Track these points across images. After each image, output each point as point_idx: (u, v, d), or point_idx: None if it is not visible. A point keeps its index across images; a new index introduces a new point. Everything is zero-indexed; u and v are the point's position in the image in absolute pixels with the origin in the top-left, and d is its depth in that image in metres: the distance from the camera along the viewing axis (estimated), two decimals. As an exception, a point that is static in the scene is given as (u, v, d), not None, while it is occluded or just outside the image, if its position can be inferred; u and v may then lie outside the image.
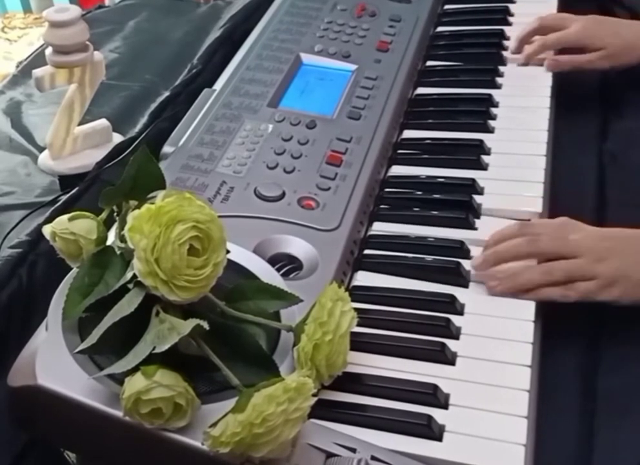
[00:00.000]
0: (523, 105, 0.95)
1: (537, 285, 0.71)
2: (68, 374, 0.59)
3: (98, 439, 0.61)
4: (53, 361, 0.60)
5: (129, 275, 0.60)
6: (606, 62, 0.99)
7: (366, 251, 0.78)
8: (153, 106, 0.99)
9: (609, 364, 0.70)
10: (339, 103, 0.92)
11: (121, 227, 0.63)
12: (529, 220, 0.78)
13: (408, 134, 0.93)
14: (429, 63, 1.06)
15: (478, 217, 0.80)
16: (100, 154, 0.90)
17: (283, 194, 0.79)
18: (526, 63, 1.02)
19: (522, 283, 0.71)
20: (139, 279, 0.57)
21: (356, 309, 0.63)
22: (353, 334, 0.63)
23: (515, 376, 0.65)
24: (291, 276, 0.72)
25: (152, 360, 0.55)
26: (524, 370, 0.65)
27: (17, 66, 1.19)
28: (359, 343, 0.66)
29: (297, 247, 0.74)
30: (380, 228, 0.81)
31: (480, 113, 0.94)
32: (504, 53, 1.05)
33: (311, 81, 0.96)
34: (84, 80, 0.93)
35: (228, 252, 0.60)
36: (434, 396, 0.63)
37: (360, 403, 0.63)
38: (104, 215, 0.67)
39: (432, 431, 0.60)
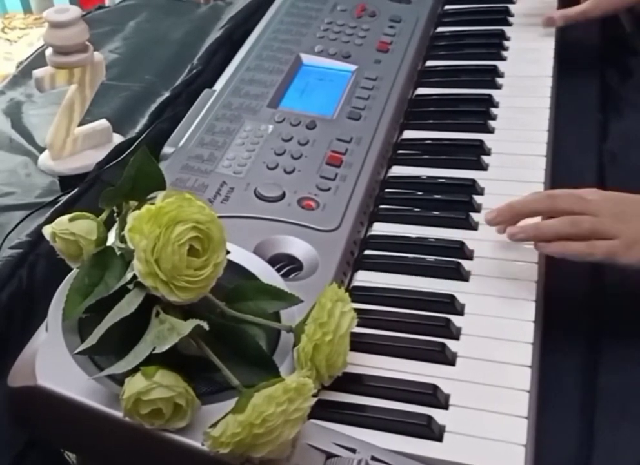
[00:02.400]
0: (523, 105, 0.95)
1: (560, 236, 0.69)
2: (68, 374, 0.59)
3: (98, 440, 0.61)
4: (53, 362, 0.60)
5: (129, 276, 0.60)
6: (598, 10, 1.01)
7: (366, 251, 0.78)
8: (153, 106, 0.99)
9: (609, 364, 0.69)
10: (339, 104, 0.92)
11: (121, 228, 0.63)
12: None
13: (408, 134, 0.93)
14: (429, 63, 1.06)
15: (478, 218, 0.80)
16: (100, 154, 0.90)
17: (283, 195, 0.79)
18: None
19: (547, 232, 0.70)
20: (139, 279, 0.57)
21: (356, 310, 0.63)
22: (353, 334, 0.63)
23: (515, 376, 0.65)
24: (291, 276, 0.72)
25: (152, 360, 0.55)
26: (524, 370, 0.65)
27: (17, 67, 1.19)
28: (359, 344, 0.66)
29: (297, 247, 0.74)
30: (380, 228, 0.81)
31: (480, 113, 0.94)
32: (504, 52, 1.05)
33: (311, 82, 0.96)
34: (84, 80, 0.93)
35: (228, 252, 0.60)
36: (434, 396, 0.63)
37: (360, 403, 0.63)
38: (104, 216, 0.67)
39: (432, 432, 0.60)
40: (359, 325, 0.64)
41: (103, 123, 0.98)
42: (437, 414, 0.62)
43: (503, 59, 1.04)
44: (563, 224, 0.70)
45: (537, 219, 0.73)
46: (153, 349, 0.55)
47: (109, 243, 0.66)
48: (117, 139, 0.98)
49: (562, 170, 0.88)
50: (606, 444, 0.63)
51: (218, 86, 0.96)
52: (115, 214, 0.67)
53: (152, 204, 0.58)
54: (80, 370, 0.59)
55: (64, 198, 0.83)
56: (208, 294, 0.60)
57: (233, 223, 0.72)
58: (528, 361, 0.66)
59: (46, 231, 0.66)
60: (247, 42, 1.04)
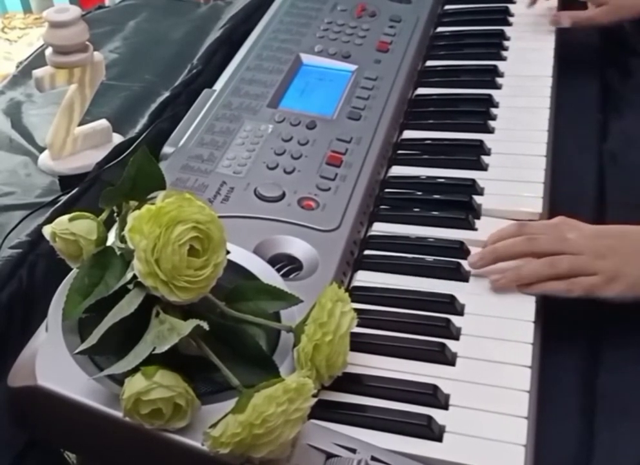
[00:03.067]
0: (523, 105, 0.95)
1: (540, 278, 0.71)
2: (68, 374, 0.59)
3: (98, 440, 0.61)
4: (53, 362, 0.60)
5: (129, 276, 0.60)
6: (606, 19, 1.02)
7: (366, 251, 0.78)
8: (153, 106, 0.99)
9: (609, 364, 0.70)
10: (339, 104, 0.92)
11: (121, 228, 0.63)
12: (528, 221, 0.78)
13: (408, 134, 0.93)
14: (429, 63, 1.06)
15: (478, 218, 0.80)
16: (100, 154, 0.90)
17: (283, 195, 0.79)
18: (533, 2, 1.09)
19: (526, 275, 0.71)
20: (139, 279, 0.57)
21: (356, 310, 0.63)
22: (353, 334, 0.63)
23: (515, 377, 0.65)
24: (291, 276, 0.72)
25: (152, 360, 0.55)
26: (524, 370, 0.65)
27: (17, 67, 1.19)
28: (359, 344, 0.66)
29: (297, 247, 0.74)
30: (380, 228, 0.81)
31: (480, 113, 0.94)
32: (504, 52, 1.05)
33: (311, 82, 0.96)
34: (84, 80, 0.93)
35: (228, 252, 0.60)
36: (434, 396, 0.63)
37: (360, 403, 0.63)
38: (104, 215, 0.67)
39: (432, 432, 0.60)
40: (359, 325, 0.64)
41: (103, 123, 0.98)
42: (437, 415, 0.62)
43: (503, 59, 1.04)
44: (543, 266, 0.71)
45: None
46: (153, 349, 0.55)
47: (109, 243, 0.66)
48: (117, 139, 0.98)
49: (562, 170, 0.88)
50: (606, 444, 0.63)
51: (218, 86, 0.96)
52: (115, 214, 0.67)
53: (152, 204, 0.58)
54: (80, 370, 0.59)
55: (64, 198, 0.83)
56: (208, 294, 0.60)
57: (233, 223, 0.72)
58: (528, 362, 0.66)
59: (46, 231, 0.66)
60: (247, 42, 1.04)
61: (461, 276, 0.74)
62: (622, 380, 0.68)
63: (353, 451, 0.58)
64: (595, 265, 0.70)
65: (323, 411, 0.60)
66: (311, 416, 0.57)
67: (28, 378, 0.60)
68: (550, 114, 0.93)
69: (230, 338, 0.59)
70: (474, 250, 0.76)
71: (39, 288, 0.75)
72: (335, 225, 0.76)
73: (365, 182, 0.82)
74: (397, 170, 0.88)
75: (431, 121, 0.95)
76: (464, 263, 0.75)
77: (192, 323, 0.56)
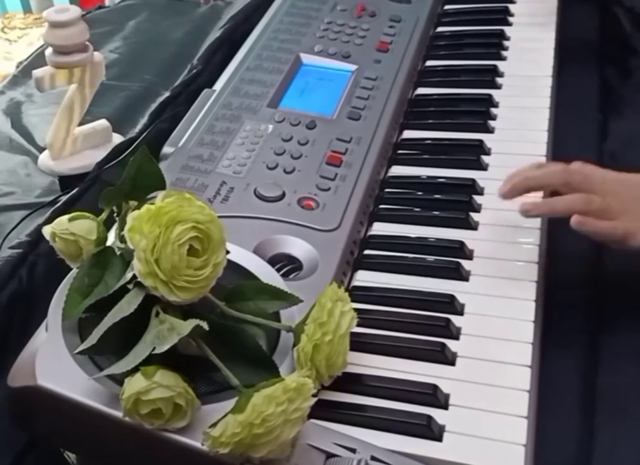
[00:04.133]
0: (523, 105, 0.95)
1: (573, 212, 0.69)
2: (67, 374, 0.59)
3: (98, 439, 0.61)
4: (53, 362, 0.60)
5: (129, 275, 0.60)
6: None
7: (366, 251, 0.78)
8: (153, 106, 0.99)
9: (609, 364, 0.69)
10: (339, 104, 0.92)
11: (121, 228, 0.63)
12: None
13: (408, 134, 0.93)
14: (429, 63, 1.06)
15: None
16: (100, 154, 0.91)
17: (283, 195, 0.79)
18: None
19: (560, 209, 0.70)
20: (138, 279, 0.57)
21: (356, 309, 0.63)
22: (353, 334, 0.63)
23: (515, 376, 0.65)
24: (291, 276, 0.72)
25: (152, 360, 0.55)
26: (524, 370, 0.65)
27: (17, 67, 1.19)
28: (359, 344, 0.66)
29: (297, 247, 0.74)
30: (380, 228, 0.81)
31: (480, 113, 0.94)
32: (504, 52, 1.05)
33: (311, 82, 0.96)
34: (84, 80, 0.93)
35: (227, 252, 0.60)
36: (434, 396, 0.63)
37: (360, 403, 0.63)
38: (104, 215, 0.67)
39: (432, 432, 0.60)
40: (359, 325, 0.64)
41: (103, 123, 0.98)
42: (437, 414, 0.62)
43: (503, 59, 1.04)
44: (576, 201, 0.70)
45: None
46: (153, 349, 0.55)
47: (109, 243, 0.66)
48: (117, 139, 0.98)
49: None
50: (605, 444, 0.63)
51: (218, 86, 0.95)
52: (115, 214, 0.67)
53: (152, 204, 0.58)
54: (80, 370, 0.59)
55: (64, 198, 0.83)
56: (207, 294, 0.60)
57: (233, 223, 0.72)
58: (528, 361, 0.66)
59: (46, 231, 0.66)
60: (247, 42, 1.04)
61: (461, 276, 0.74)
62: (622, 380, 0.68)
63: (353, 451, 0.58)
64: (619, 211, 0.69)
65: (323, 410, 0.60)
66: (311, 416, 0.57)
67: (28, 378, 0.60)
68: (550, 114, 0.93)
69: (230, 338, 0.59)
70: (475, 249, 0.76)
71: (39, 288, 0.75)
72: (335, 224, 0.76)
73: (365, 182, 0.82)
74: (397, 170, 0.88)
75: (431, 121, 0.95)
76: (464, 263, 0.75)
77: (192, 323, 0.56)
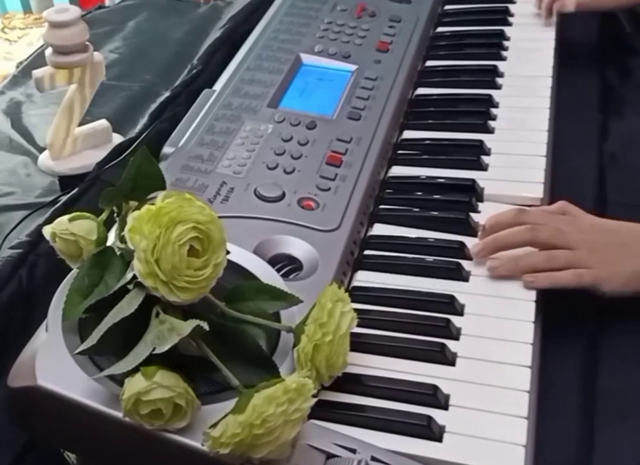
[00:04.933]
0: (523, 105, 0.95)
1: (537, 270, 0.72)
2: (68, 375, 0.59)
3: (98, 440, 0.61)
4: (53, 362, 0.60)
5: (129, 276, 0.60)
6: (611, 2, 1.04)
7: (366, 252, 0.78)
8: (153, 106, 0.99)
9: (609, 364, 0.70)
10: (339, 104, 0.92)
11: (121, 228, 0.63)
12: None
13: (408, 134, 0.93)
14: (429, 63, 1.06)
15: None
16: (100, 154, 0.90)
17: (283, 195, 0.79)
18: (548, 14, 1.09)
19: (523, 266, 0.72)
20: (139, 280, 0.57)
21: (356, 310, 0.63)
22: (353, 334, 0.63)
23: (515, 377, 0.65)
24: (291, 276, 0.72)
25: (152, 360, 0.55)
26: (524, 370, 0.65)
27: (17, 67, 1.19)
28: (359, 344, 0.66)
29: (297, 247, 0.74)
30: (380, 228, 0.81)
31: (480, 113, 0.94)
32: (504, 52, 1.05)
33: (311, 82, 0.96)
34: (84, 80, 0.93)
35: (228, 252, 0.60)
36: (434, 396, 0.63)
37: (360, 404, 0.63)
38: (104, 216, 0.67)
39: (432, 432, 0.60)
40: (359, 325, 0.64)
41: (103, 123, 0.98)
42: (437, 415, 0.62)
43: (503, 59, 1.04)
44: (540, 259, 0.72)
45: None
46: (153, 349, 0.55)
47: (109, 243, 0.66)
48: (117, 139, 0.98)
49: (562, 170, 0.88)
50: (605, 444, 0.63)
51: (218, 86, 0.95)
52: (115, 214, 0.67)
53: (152, 204, 0.58)
54: (80, 370, 0.59)
55: (64, 198, 0.83)
56: (208, 294, 0.60)
57: (233, 223, 0.72)
58: (528, 362, 0.66)
59: (46, 231, 0.66)
60: (247, 42, 1.04)
61: (461, 276, 0.74)
62: (622, 380, 0.68)
63: (353, 451, 0.58)
64: (590, 261, 0.71)
65: (323, 411, 0.60)
66: (311, 416, 0.57)
67: (28, 378, 0.60)
68: (550, 114, 0.93)
69: (230, 338, 0.59)
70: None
71: (39, 288, 0.75)
72: (335, 225, 0.76)
73: (365, 182, 0.82)
74: (397, 170, 0.88)
75: (431, 121, 0.95)
76: (464, 263, 0.75)
77: (192, 323, 0.56)
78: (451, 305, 0.71)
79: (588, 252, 0.71)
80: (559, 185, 0.86)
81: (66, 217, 0.66)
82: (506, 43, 1.07)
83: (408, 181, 0.86)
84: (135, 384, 0.54)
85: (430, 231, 0.79)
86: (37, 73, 0.91)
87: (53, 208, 0.81)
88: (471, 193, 0.83)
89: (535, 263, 0.72)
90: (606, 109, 0.99)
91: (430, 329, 0.69)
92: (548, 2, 1.08)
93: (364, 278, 0.75)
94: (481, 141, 0.89)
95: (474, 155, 0.88)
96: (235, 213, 0.76)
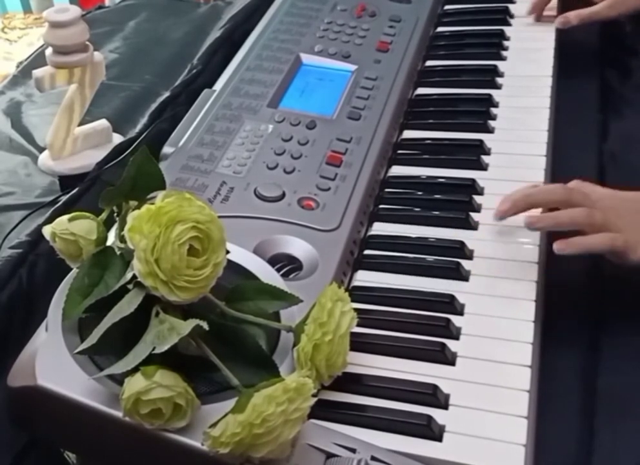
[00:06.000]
0: (523, 105, 0.95)
1: (576, 225, 0.71)
2: (67, 374, 0.59)
3: (98, 439, 0.61)
4: (53, 362, 0.60)
5: (129, 275, 0.60)
6: (613, 11, 1.03)
7: (366, 251, 0.78)
8: (153, 106, 0.99)
9: (609, 364, 0.70)
10: (339, 104, 0.92)
11: (121, 228, 0.63)
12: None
13: (408, 134, 0.93)
14: (429, 63, 1.06)
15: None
16: (100, 154, 0.90)
17: (283, 195, 0.79)
18: (537, 18, 1.09)
19: (564, 221, 0.72)
20: (138, 279, 0.57)
21: (356, 309, 0.63)
22: (353, 334, 0.63)
23: (515, 377, 0.65)
24: (291, 276, 0.72)
25: (152, 360, 0.55)
26: (524, 370, 0.65)
27: (17, 67, 1.19)
28: (359, 344, 0.66)
29: (297, 247, 0.74)
30: (380, 228, 0.81)
31: (480, 113, 0.94)
32: (504, 52, 1.05)
33: (311, 82, 0.96)
34: (84, 80, 0.93)
35: (227, 252, 0.60)
36: (434, 396, 0.63)
37: (360, 403, 0.63)
38: (104, 215, 0.67)
39: (432, 431, 0.60)
40: (359, 325, 0.64)
41: (103, 123, 0.98)
42: (437, 414, 0.62)
43: (503, 59, 1.04)
44: (579, 214, 0.71)
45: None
46: (153, 349, 0.55)
47: (109, 243, 0.66)
48: (117, 139, 0.98)
49: (562, 170, 0.88)
50: (606, 444, 0.63)
51: (218, 86, 0.95)
52: (115, 214, 0.67)
53: (152, 204, 0.58)
54: (80, 370, 0.59)
55: (64, 198, 0.83)
56: (207, 294, 0.60)
57: (233, 223, 0.71)
58: (528, 361, 0.66)
59: (46, 231, 0.66)
60: (247, 42, 1.04)
61: (461, 275, 0.74)
62: (622, 380, 0.68)
63: (353, 451, 0.58)
64: (620, 225, 0.71)
65: (323, 410, 0.60)
66: (311, 416, 0.57)
67: (28, 378, 0.60)
68: (550, 114, 0.93)
69: (230, 338, 0.59)
70: (475, 249, 0.76)
71: (39, 288, 0.75)
72: (335, 224, 0.76)
73: (365, 182, 0.82)
74: (397, 170, 0.88)
75: (431, 121, 0.95)
76: (464, 263, 0.75)
77: (192, 323, 0.56)
78: (451, 304, 0.71)
79: (617, 217, 0.71)
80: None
81: (66, 217, 0.66)
82: (506, 43, 1.07)
83: (408, 181, 0.86)
84: (135, 384, 0.55)
85: (431, 227, 0.79)
86: (37, 73, 0.91)
87: (53, 208, 0.81)
88: (471, 193, 0.82)
89: (576, 216, 0.71)
90: (606, 109, 0.99)
91: (430, 329, 0.69)
92: (538, 2, 1.09)
93: (364, 278, 0.75)
94: (481, 141, 0.89)
95: (474, 155, 0.88)
96: (235, 213, 0.76)
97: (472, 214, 0.80)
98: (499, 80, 1.00)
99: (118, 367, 0.56)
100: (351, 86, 0.95)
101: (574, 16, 1.05)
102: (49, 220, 0.74)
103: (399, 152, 0.91)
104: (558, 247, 0.70)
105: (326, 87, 0.95)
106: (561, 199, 0.73)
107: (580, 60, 1.08)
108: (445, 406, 0.63)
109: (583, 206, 0.72)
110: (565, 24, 1.05)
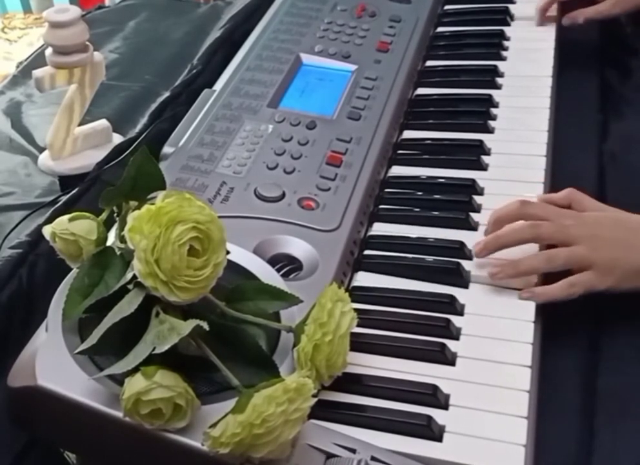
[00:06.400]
0: (523, 105, 0.95)
1: (537, 272, 0.72)
2: (68, 374, 0.59)
3: (98, 440, 0.61)
4: (53, 362, 0.60)
5: (129, 276, 0.60)
6: (617, 8, 1.04)
7: (366, 252, 0.78)
8: (153, 106, 0.99)
9: (609, 364, 0.70)
10: (339, 104, 0.92)
11: (121, 228, 0.63)
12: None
13: (408, 134, 0.93)
14: (429, 63, 1.06)
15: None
16: (100, 154, 0.90)
17: (283, 195, 0.79)
18: (540, 22, 1.09)
19: (524, 270, 0.72)
20: (138, 280, 0.57)
21: (356, 310, 0.63)
22: (353, 334, 0.63)
23: (515, 377, 0.65)
24: (291, 276, 0.72)
25: (152, 360, 0.55)
26: (524, 370, 0.65)
27: (17, 67, 1.19)
28: (359, 344, 0.66)
29: (297, 247, 0.74)
30: (380, 228, 0.81)
31: (480, 113, 0.94)
32: (504, 52, 1.05)
33: (311, 82, 0.96)
34: (84, 80, 0.93)
35: (228, 252, 0.60)
36: (434, 396, 0.63)
37: (360, 403, 0.63)
38: (104, 215, 0.67)
39: (432, 432, 0.60)
40: (359, 325, 0.64)
41: (103, 123, 0.98)
42: (437, 415, 0.62)
43: (503, 59, 1.04)
44: (540, 261, 0.72)
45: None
46: (153, 349, 0.55)
47: (109, 243, 0.66)
48: (117, 139, 0.98)
49: (562, 170, 0.88)
50: (606, 444, 0.63)
51: (218, 86, 0.95)
52: (115, 214, 0.67)
53: (152, 204, 0.58)
54: (80, 370, 0.59)
55: (64, 198, 0.83)
56: (208, 294, 0.60)
57: (233, 223, 0.71)
58: (528, 362, 0.66)
59: (46, 231, 0.66)
60: (247, 42, 1.04)
61: (461, 276, 0.74)
62: (622, 380, 0.68)
63: (353, 451, 0.58)
64: (590, 258, 0.71)
65: (323, 411, 0.60)
66: (311, 416, 0.57)
67: (28, 378, 0.60)
68: (550, 114, 0.93)
69: (230, 338, 0.59)
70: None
71: (39, 288, 0.75)
72: (335, 225, 0.76)
73: (365, 182, 0.82)
74: (397, 170, 0.88)
75: (431, 121, 0.95)
76: (464, 263, 0.75)
77: (192, 323, 0.56)
78: (451, 305, 0.71)
79: (590, 249, 0.71)
80: (558, 185, 0.86)
81: (66, 217, 0.66)
82: (506, 43, 1.07)
83: (408, 181, 0.86)
84: (135, 384, 0.55)
85: (431, 227, 0.79)
86: (37, 73, 0.91)
87: (53, 208, 0.81)
88: (471, 193, 0.82)
89: (535, 265, 0.72)
90: (606, 109, 0.99)
91: (430, 329, 0.69)
92: (543, 7, 1.08)
93: (364, 278, 0.75)
94: (481, 141, 0.89)
95: (474, 155, 0.88)
96: (235, 213, 0.76)
97: (472, 214, 0.80)
98: (499, 80, 1.00)
99: (118, 367, 0.56)
100: (351, 86, 0.95)
101: (580, 14, 1.05)
102: (49, 220, 0.74)
103: (399, 152, 0.91)
104: (522, 296, 0.72)
105: (326, 87, 0.95)
106: (530, 237, 0.73)
107: (580, 60, 1.08)
108: (445, 406, 0.63)
109: (556, 240, 0.72)
110: (572, 22, 1.06)
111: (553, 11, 1.10)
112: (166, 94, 1.00)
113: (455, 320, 0.69)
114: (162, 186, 0.66)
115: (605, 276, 0.70)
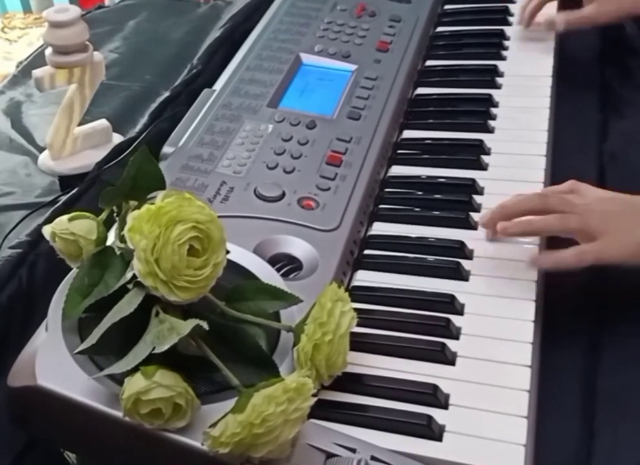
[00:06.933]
0: (523, 105, 0.95)
1: (550, 230, 0.72)
2: (67, 374, 0.59)
3: (98, 439, 0.61)
4: (53, 362, 0.60)
5: (129, 275, 0.60)
6: (603, 17, 1.01)
7: (366, 251, 0.78)
8: (153, 106, 0.99)
9: (609, 364, 0.69)
10: (339, 103, 0.92)
11: (121, 228, 0.63)
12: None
13: (408, 134, 0.93)
14: (429, 63, 1.06)
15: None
16: (100, 154, 0.90)
17: (283, 194, 0.79)
18: (528, 24, 1.07)
19: (538, 227, 0.72)
20: (138, 279, 0.57)
21: (356, 309, 0.63)
22: (353, 334, 0.63)
23: (515, 376, 0.65)
24: (291, 276, 0.72)
25: (152, 360, 0.55)
26: (524, 370, 0.65)
27: (17, 67, 1.19)
28: (359, 344, 0.66)
29: (297, 247, 0.74)
30: (380, 228, 0.81)
31: (480, 113, 0.94)
32: (504, 52, 1.05)
33: (311, 81, 0.96)
34: (84, 80, 0.93)
35: (227, 252, 0.60)
36: (434, 396, 0.63)
37: (360, 403, 0.63)
38: (104, 215, 0.67)
39: (432, 431, 0.60)
40: (359, 325, 0.64)
41: (103, 122, 0.98)
42: (437, 414, 0.62)
43: (503, 58, 1.04)
44: (554, 220, 0.72)
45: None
46: (153, 349, 0.55)
47: (109, 243, 0.66)
48: (117, 139, 0.98)
49: (562, 170, 0.88)
50: (606, 444, 0.63)
51: (218, 85, 0.96)
52: (115, 214, 0.67)
53: (152, 204, 0.58)
54: (80, 370, 0.59)
55: (63, 198, 0.83)
56: (207, 294, 0.60)
57: (233, 223, 0.72)
58: (528, 361, 0.66)
59: (46, 231, 0.66)
60: (247, 42, 1.04)
61: (461, 275, 0.74)
62: (622, 380, 0.68)
63: (353, 450, 0.58)
64: (601, 226, 0.71)
65: (323, 410, 0.60)
66: (311, 415, 0.57)
67: (28, 378, 0.60)
68: (550, 114, 0.93)
69: (230, 337, 0.59)
70: (474, 249, 0.76)
71: (39, 288, 0.75)
72: (335, 224, 0.76)
73: (365, 182, 0.82)
74: (397, 170, 0.88)
75: (431, 121, 0.95)
76: (464, 263, 0.75)
77: (192, 322, 0.56)
78: (451, 304, 0.71)
79: (601, 219, 0.71)
80: (558, 184, 0.86)
81: (65, 217, 0.66)
82: (506, 43, 1.07)
83: (408, 181, 0.86)
84: (135, 384, 0.55)
85: (431, 227, 0.79)
86: (37, 73, 0.91)
87: (53, 208, 0.81)
88: (471, 192, 0.82)
89: (550, 223, 0.72)
90: (606, 109, 0.99)
91: (430, 329, 0.69)
92: (531, 10, 1.06)
93: (364, 278, 0.75)
94: (481, 141, 0.89)
95: (474, 155, 0.88)
96: (235, 213, 0.76)
97: (472, 214, 0.80)
98: (499, 80, 1.00)
99: (118, 367, 0.56)
100: (351, 86, 0.95)
101: (561, 20, 1.02)
102: (49, 220, 0.74)
103: (399, 151, 0.91)
104: (533, 259, 0.72)
105: (326, 87, 0.95)
106: (537, 207, 0.73)
107: (580, 60, 1.08)
108: (445, 406, 0.63)
109: (561, 211, 0.72)
110: (551, 27, 1.03)
111: (540, 16, 1.09)
112: (166, 94, 1.00)
113: (456, 319, 0.69)
114: (162, 186, 0.66)
115: (616, 245, 0.70)
